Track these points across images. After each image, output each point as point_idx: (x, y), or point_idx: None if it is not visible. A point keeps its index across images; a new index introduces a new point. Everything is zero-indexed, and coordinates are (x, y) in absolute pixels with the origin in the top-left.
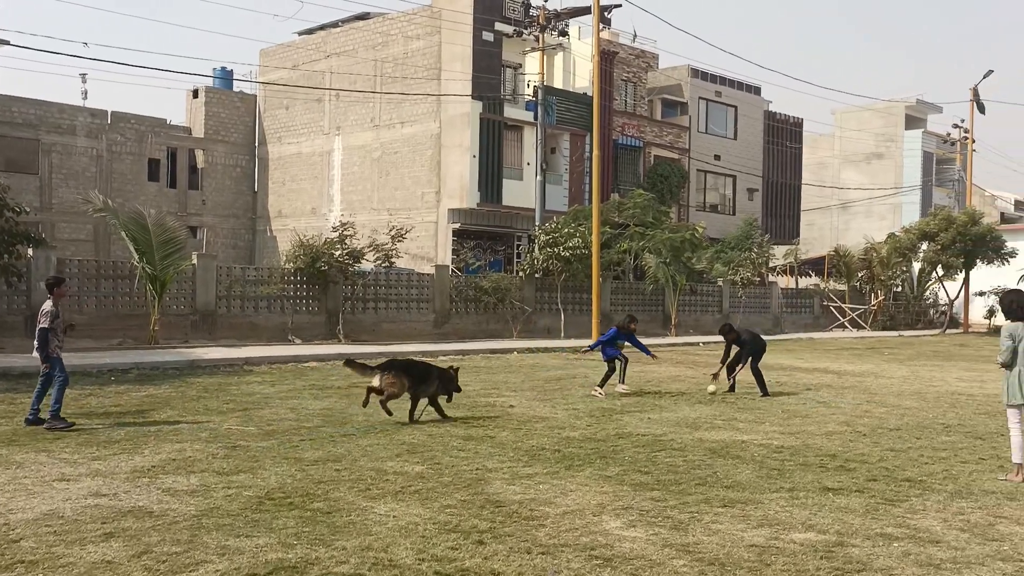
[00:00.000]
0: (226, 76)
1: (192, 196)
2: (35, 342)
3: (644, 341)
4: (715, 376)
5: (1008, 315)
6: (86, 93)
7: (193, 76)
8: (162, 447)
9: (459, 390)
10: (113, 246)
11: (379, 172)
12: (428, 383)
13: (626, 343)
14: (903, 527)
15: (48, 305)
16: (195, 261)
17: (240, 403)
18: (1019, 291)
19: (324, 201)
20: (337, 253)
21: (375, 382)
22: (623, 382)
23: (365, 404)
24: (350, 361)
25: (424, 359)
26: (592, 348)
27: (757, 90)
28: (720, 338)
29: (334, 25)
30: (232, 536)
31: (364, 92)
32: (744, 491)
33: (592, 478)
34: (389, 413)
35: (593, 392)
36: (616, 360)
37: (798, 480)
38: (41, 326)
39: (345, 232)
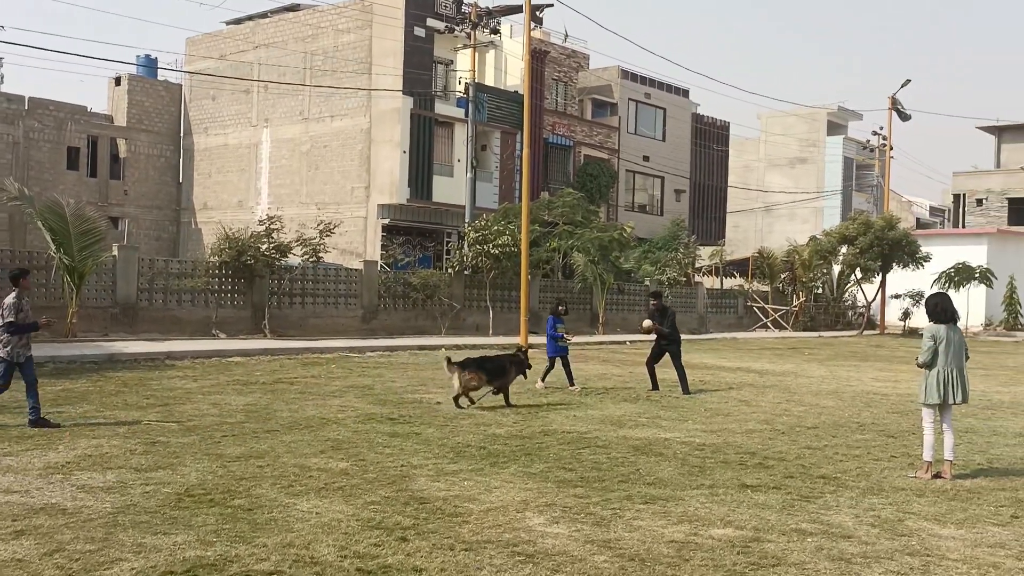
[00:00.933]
0: (150, 64)
1: (114, 186)
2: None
3: (572, 339)
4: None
5: (932, 317)
6: (2, 77)
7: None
8: (78, 443)
9: (530, 367)
10: (29, 236)
11: (308, 166)
12: (505, 375)
13: (562, 326)
14: (817, 523)
15: (10, 298)
16: (116, 252)
17: (161, 398)
18: (944, 295)
19: (251, 194)
20: (264, 247)
21: (455, 380)
22: (571, 383)
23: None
24: (448, 360)
25: (498, 353)
26: (553, 356)
27: (686, 93)
28: (645, 337)
29: (263, 16)
30: (149, 534)
31: (293, 84)
32: (666, 488)
33: (516, 475)
34: (463, 406)
35: (537, 386)
36: (558, 358)
37: (718, 477)
38: (7, 320)
39: (272, 226)
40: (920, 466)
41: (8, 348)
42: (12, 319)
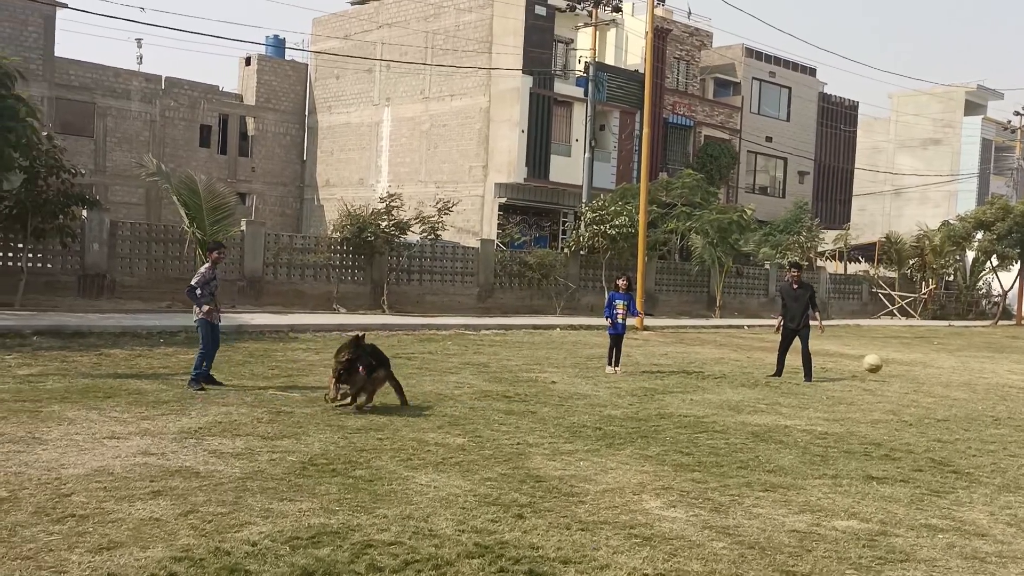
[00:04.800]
0: (278, 44)
1: (242, 163)
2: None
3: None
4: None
5: None
6: (141, 58)
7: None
8: (208, 410)
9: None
10: (164, 210)
11: (427, 144)
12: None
13: (621, 302)
14: (948, 519)
15: (203, 267)
16: (244, 227)
17: (285, 369)
18: None
19: (372, 172)
20: (384, 224)
21: None
22: (612, 363)
23: None
24: None
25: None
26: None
27: (812, 71)
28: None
29: None
30: (276, 500)
31: (414, 64)
32: (786, 476)
33: (633, 457)
34: None
35: (607, 372)
36: (614, 337)
37: (841, 467)
38: (190, 283)
39: (392, 203)
40: None
41: (206, 309)
42: (192, 283)
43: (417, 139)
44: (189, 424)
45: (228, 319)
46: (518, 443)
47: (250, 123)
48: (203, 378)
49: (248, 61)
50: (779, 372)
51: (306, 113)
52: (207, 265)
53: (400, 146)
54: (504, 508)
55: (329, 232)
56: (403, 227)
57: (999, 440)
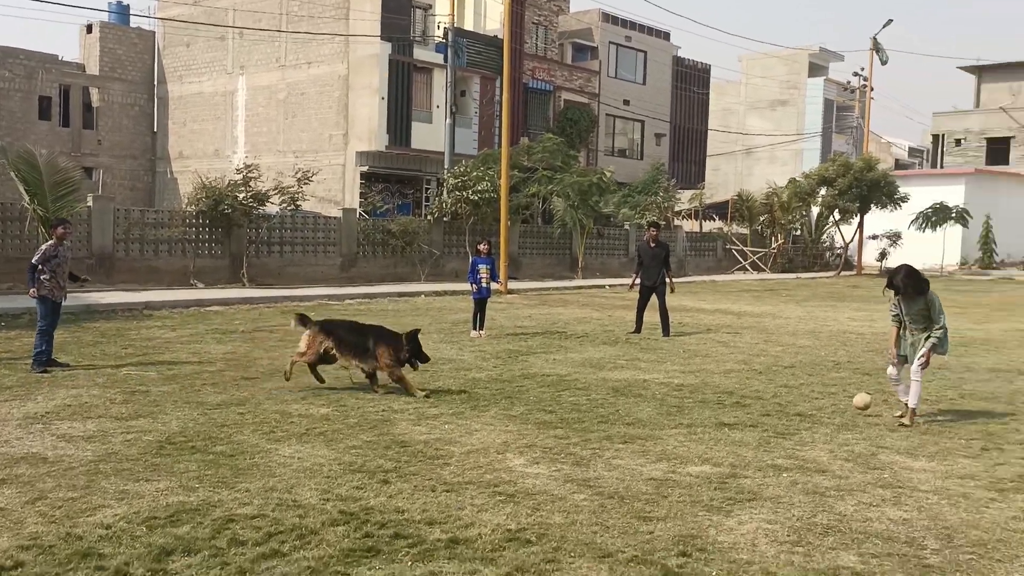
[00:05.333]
0: (122, 11)
1: (87, 136)
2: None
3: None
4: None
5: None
6: None
7: (87, 10)
8: (56, 393)
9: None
10: (2, 187)
11: (285, 113)
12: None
13: (484, 267)
14: (793, 458)
15: (46, 244)
16: (91, 203)
17: (140, 348)
18: (900, 270)
19: (228, 143)
20: (241, 195)
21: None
22: (477, 327)
23: None
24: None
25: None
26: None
27: (667, 35)
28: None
29: None
30: (131, 481)
31: (269, 31)
32: (644, 427)
33: (497, 418)
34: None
35: (472, 336)
36: (478, 301)
37: (696, 416)
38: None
39: (249, 174)
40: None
41: (43, 287)
42: (33, 260)
43: (274, 108)
44: (35, 409)
45: (76, 298)
46: (383, 410)
47: (94, 94)
48: (46, 361)
49: (90, 29)
50: (638, 329)
51: (155, 83)
52: (50, 242)
53: (257, 115)
54: (369, 475)
55: (184, 206)
56: (262, 198)
57: (839, 383)
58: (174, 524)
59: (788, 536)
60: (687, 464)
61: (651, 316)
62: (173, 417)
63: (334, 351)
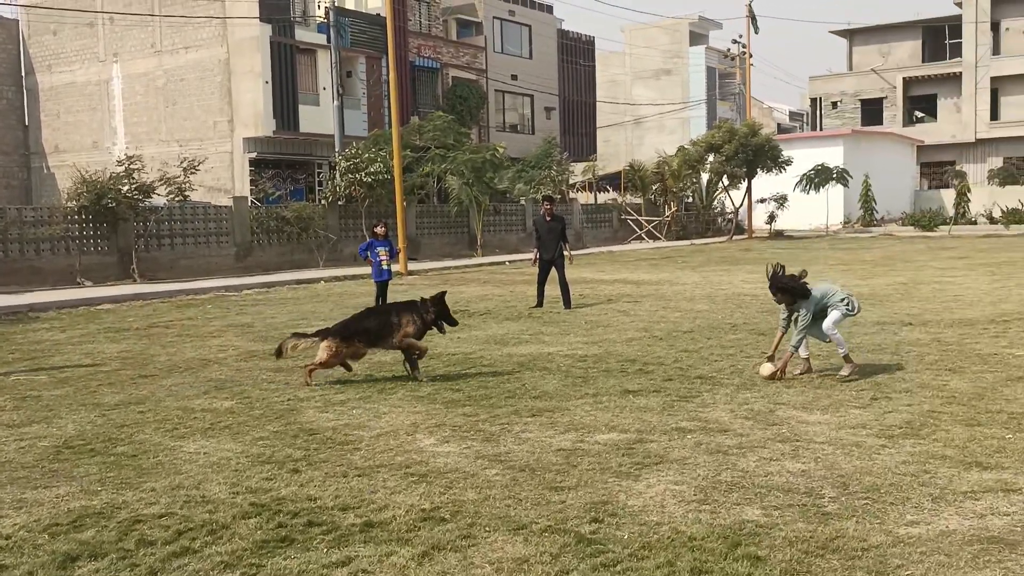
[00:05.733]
0: None
1: None
2: None
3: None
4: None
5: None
6: None
7: None
8: None
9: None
10: None
11: (165, 101)
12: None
13: (383, 248)
14: (696, 420)
15: None
16: None
17: (27, 352)
18: (777, 277)
19: (106, 134)
20: (125, 188)
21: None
22: None
23: None
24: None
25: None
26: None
27: (550, 8)
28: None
29: None
30: (28, 488)
31: (140, 15)
32: (551, 400)
33: (404, 400)
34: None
35: None
36: (380, 284)
37: (601, 385)
38: None
39: (132, 166)
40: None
41: None
42: None
43: (153, 96)
44: None
45: None
46: (288, 399)
47: None
48: None
49: None
50: (540, 303)
51: (23, 74)
52: None
53: (135, 104)
54: (279, 465)
55: (64, 201)
56: (147, 190)
57: (736, 344)
58: (77, 529)
59: (695, 495)
60: (595, 432)
61: (552, 290)
62: (69, 421)
63: (364, 349)
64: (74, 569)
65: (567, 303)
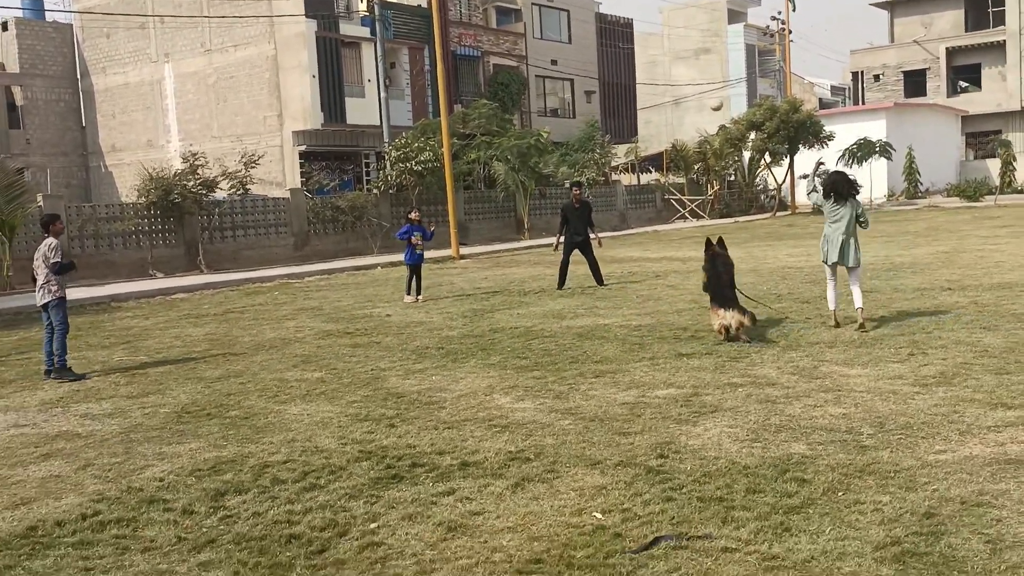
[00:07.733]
0: (36, 7)
1: (14, 136)
2: (49, 279)
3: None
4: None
5: (825, 193)
6: None
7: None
8: (62, 382)
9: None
10: None
11: (216, 98)
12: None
13: (417, 233)
14: (746, 376)
15: (52, 241)
16: (41, 203)
17: (121, 337)
18: (840, 174)
19: (160, 132)
20: (190, 184)
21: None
22: (412, 292)
23: None
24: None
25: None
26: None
27: None
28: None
29: None
30: (164, 444)
31: (190, 17)
32: (612, 363)
33: (477, 367)
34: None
35: (406, 301)
36: (411, 267)
37: (657, 350)
38: (54, 260)
39: (196, 162)
40: (829, 315)
41: (62, 288)
42: (58, 259)
43: (204, 94)
44: (48, 396)
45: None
46: (372, 369)
47: (17, 92)
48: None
49: (4, 26)
50: (561, 285)
51: (78, 76)
52: (53, 241)
53: (187, 102)
54: (375, 422)
55: (126, 197)
56: (210, 185)
57: (782, 312)
58: (218, 473)
59: (747, 436)
60: (654, 389)
61: (580, 268)
62: (180, 392)
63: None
64: (224, 501)
65: (600, 280)
